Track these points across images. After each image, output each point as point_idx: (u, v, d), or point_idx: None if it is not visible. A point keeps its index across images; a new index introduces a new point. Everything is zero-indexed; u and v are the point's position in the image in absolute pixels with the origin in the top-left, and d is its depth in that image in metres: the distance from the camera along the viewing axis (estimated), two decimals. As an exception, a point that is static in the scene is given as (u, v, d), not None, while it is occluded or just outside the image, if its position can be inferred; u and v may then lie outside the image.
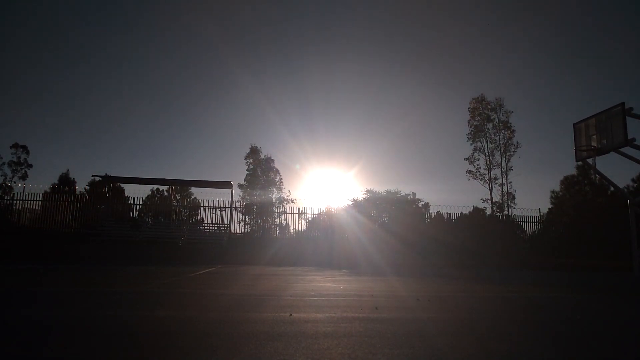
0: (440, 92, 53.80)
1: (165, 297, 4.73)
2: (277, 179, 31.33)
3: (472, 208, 28.91)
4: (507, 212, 29.63)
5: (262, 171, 31.31)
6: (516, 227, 27.79)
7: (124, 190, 28.71)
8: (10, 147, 35.42)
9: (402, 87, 55.27)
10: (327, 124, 55.39)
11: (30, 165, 35.73)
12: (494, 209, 30.04)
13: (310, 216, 27.06)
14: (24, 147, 35.73)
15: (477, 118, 31.40)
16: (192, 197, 32.47)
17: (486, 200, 30.26)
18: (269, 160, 31.40)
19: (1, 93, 47.99)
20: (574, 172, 33.47)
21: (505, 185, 30.21)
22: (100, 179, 23.26)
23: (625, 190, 24.84)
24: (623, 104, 15.26)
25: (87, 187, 32.61)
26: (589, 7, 52.52)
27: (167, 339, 2.30)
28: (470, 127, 31.48)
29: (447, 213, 27.18)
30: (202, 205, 25.19)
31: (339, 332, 2.60)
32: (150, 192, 31.27)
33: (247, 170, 31.20)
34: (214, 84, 56.71)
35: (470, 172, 30.79)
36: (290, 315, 3.28)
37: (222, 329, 2.67)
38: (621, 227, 19.66)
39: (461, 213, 27.38)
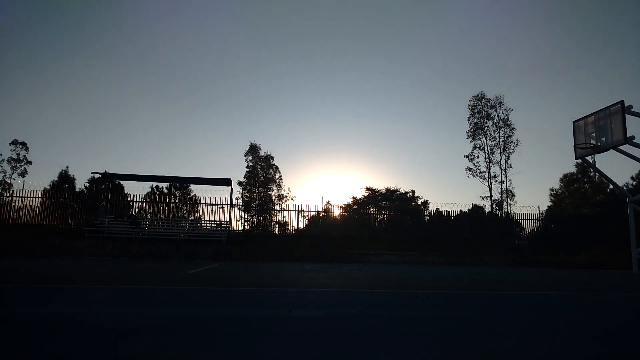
0: (440, 89, 53.76)
1: (165, 294, 4.74)
2: (276, 176, 31.33)
3: (471, 205, 28.97)
4: (506, 210, 29.68)
5: (261, 168, 31.32)
6: (515, 225, 27.84)
7: (123, 187, 28.75)
8: (10, 144, 35.41)
9: (402, 84, 55.20)
10: (327, 121, 55.38)
11: (30, 162, 35.74)
12: (493, 206, 30.10)
13: (309, 213, 27.09)
14: (24, 144, 35.74)
15: (477, 115, 31.43)
16: (192, 194, 32.48)
17: (485, 197, 30.34)
18: (268, 158, 31.40)
19: (1, 89, 47.89)
20: (573, 169, 33.53)
21: (505, 182, 30.28)
22: (100, 176, 23.25)
23: (625, 188, 24.87)
24: (622, 101, 15.28)
25: (87, 184, 32.62)
26: (589, 5, 52.44)
27: (162, 337, 2.31)
28: (470, 124, 31.51)
29: (446, 210, 27.23)
30: (201, 202, 25.23)
31: (338, 329, 2.61)
32: (149, 190, 31.25)
33: (246, 167, 31.19)
34: (213, 81, 56.60)
35: (469, 169, 30.87)
36: (290, 311, 3.29)
37: (220, 326, 2.68)
38: (620, 225, 19.70)
39: (460, 210, 27.43)
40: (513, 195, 29.96)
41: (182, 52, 55.77)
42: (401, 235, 25.08)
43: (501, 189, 30.05)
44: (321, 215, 27.79)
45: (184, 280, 6.67)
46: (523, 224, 27.81)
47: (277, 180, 30.92)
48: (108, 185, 24.64)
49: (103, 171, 23.29)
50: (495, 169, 30.35)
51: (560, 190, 34.40)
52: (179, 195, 32.79)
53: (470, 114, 31.29)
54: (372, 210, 30.50)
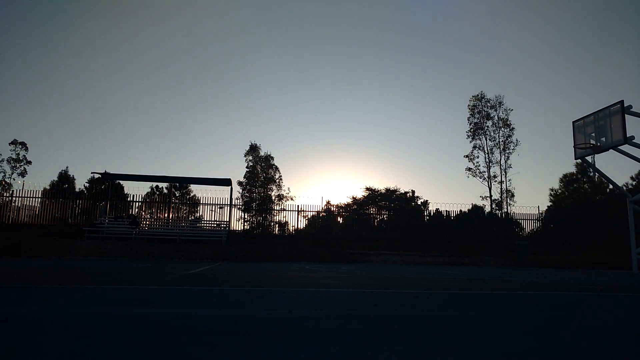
0: (440, 90, 53.79)
1: (163, 294, 4.74)
2: (276, 176, 31.34)
3: (471, 205, 28.98)
4: (506, 210, 29.68)
5: (261, 168, 31.31)
6: (515, 225, 27.85)
7: (123, 187, 28.76)
8: (10, 144, 35.37)
9: (402, 84, 55.25)
10: (327, 121, 55.40)
11: (30, 162, 35.70)
12: (493, 206, 30.09)
13: (309, 213, 27.11)
14: (23, 144, 35.69)
15: (477, 115, 31.44)
16: (192, 194, 32.48)
17: (485, 197, 30.33)
18: (268, 158, 31.41)
19: (1, 89, 47.89)
20: (573, 169, 33.60)
21: (505, 182, 30.26)
22: (100, 176, 23.24)
23: (624, 188, 24.88)
24: (622, 101, 15.29)
25: (87, 184, 32.63)
26: (589, 4, 52.48)
27: (159, 337, 2.30)
28: (470, 124, 31.53)
29: (446, 210, 27.25)
30: (201, 202, 25.25)
31: (338, 330, 2.60)
32: (149, 190, 31.26)
33: (246, 167, 31.20)
34: (214, 81, 56.63)
35: (469, 169, 30.88)
36: (290, 311, 3.29)
37: (219, 326, 2.67)
38: (620, 225, 19.70)
39: (460, 210, 27.45)
40: (513, 195, 29.97)
41: (182, 52, 55.81)
42: (401, 235, 25.07)
43: (501, 189, 30.06)
44: (321, 215, 27.80)
45: (183, 280, 6.66)
46: (523, 224, 27.86)
47: (277, 180, 30.93)
48: (108, 185, 24.63)
49: (103, 171, 23.28)
50: (495, 169, 30.38)
51: (560, 190, 34.44)
52: (178, 195, 32.79)
53: (470, 114, 31.33)
54: (372, 210, 30.51)
